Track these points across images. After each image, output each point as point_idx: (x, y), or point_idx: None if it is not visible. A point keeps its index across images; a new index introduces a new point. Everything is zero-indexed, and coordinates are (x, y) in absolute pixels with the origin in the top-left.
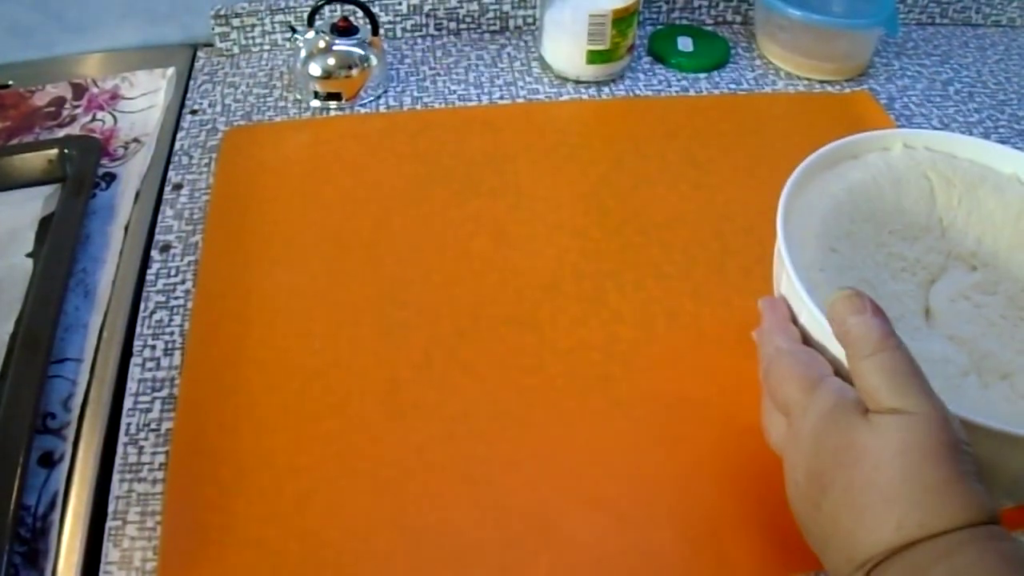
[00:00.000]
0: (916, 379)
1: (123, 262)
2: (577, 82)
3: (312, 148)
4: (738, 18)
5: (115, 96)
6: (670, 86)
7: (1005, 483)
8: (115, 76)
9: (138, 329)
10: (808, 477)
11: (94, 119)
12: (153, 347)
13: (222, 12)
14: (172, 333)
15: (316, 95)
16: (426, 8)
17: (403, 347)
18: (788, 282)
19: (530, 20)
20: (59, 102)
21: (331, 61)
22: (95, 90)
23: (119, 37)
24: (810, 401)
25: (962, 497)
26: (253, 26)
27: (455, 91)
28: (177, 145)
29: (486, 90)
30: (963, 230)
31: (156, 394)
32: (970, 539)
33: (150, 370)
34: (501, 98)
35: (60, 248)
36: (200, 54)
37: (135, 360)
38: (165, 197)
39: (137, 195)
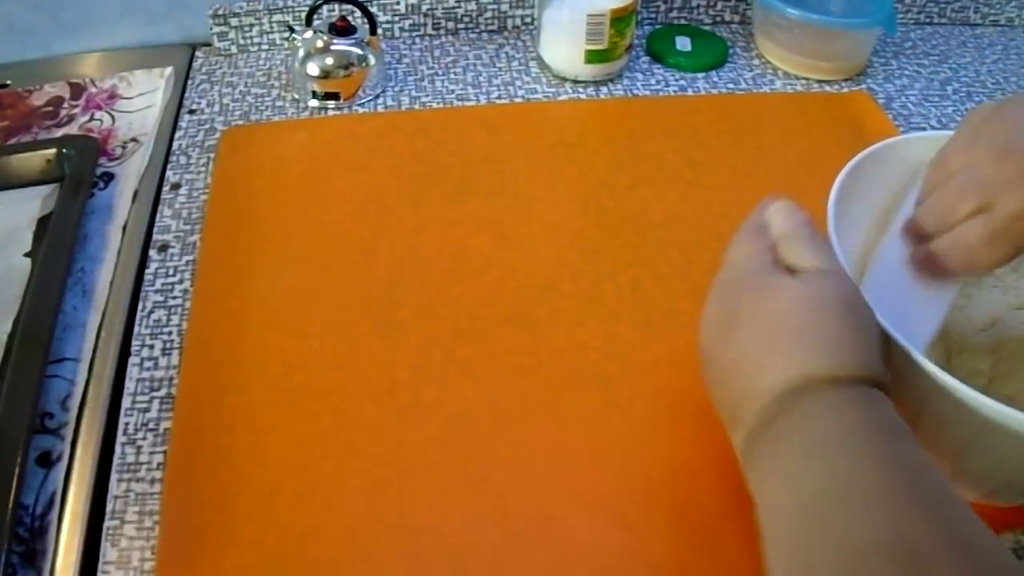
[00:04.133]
0: (829, 248)
1: (121, 262)
2: (575, 82)
3: (310, 148)
4: (736, 18)
5: (113, 96)
6: (668, 86)
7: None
8: (113, 76)
9: (136, 329)
10: (723, 311)
11: (92, 119)
12: (151, 347)
13: (220, 12)
14: (170, 333)
15: (314, 95)
16: (424, 8)
17: (401, 347)
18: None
19: (528, 20)
20: (57, 102)
21: (329, 61)
22: (93, 90)
23: (117, 37)
24: (734, 250)
25: (863, 347)
26: (251, 26)
27: (453, 91)
28: (175, 145)
29: (484, 90)
30: None
31: (154, 394)
32: (858, 397)
33: (148, 370)
34: (499, 98)
35: (58, 248)
36: (198, 54)
37: (133, 360)
38: (163, 197)
39: (135, 195)
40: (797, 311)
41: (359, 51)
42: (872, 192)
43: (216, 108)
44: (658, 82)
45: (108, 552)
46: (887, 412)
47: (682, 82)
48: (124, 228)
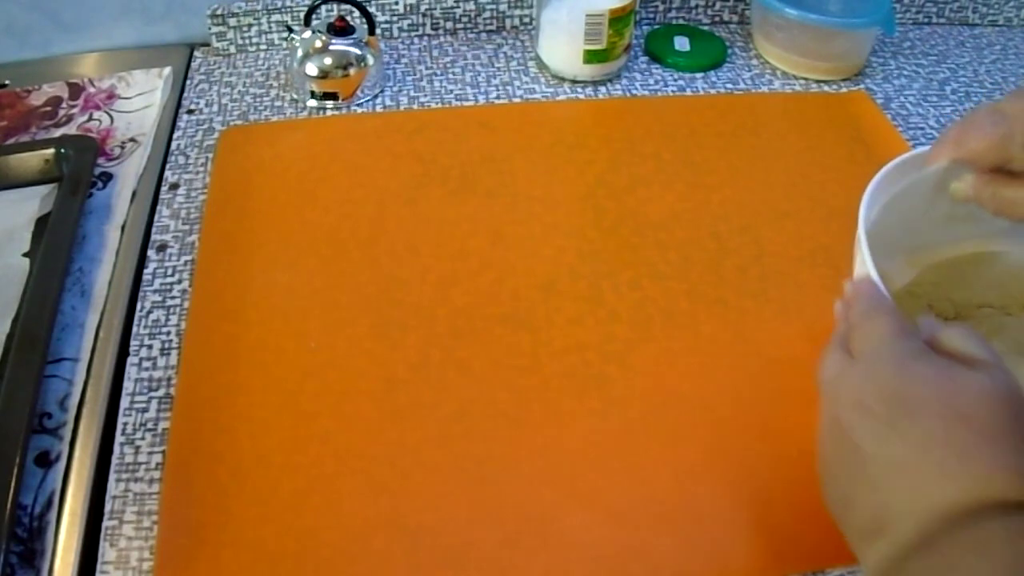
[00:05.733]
0: (989, 346)
1: (120, 262)
2: (574, 82)
3: (309, 148)
4: (735, 18)
5: (111, 96)
6: (667, 86)
7: None
8: (111, 76)
9: (135, 329)
10: (886, 399)
11: (90, 119)
12: (150, 347)
13: (218, 12)
14: (169, 333)
15: (313, 95)
16: (423, 8)
17: (399, 347)
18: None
19: (527, 20)
20: (55, 102)
21: (328, 61)
22: (91, 90)
23: (115, 37)
24: (871, 327)
25: None
26: (250, 26)
27: (452, 91)
28: (174, 145)
29: (483, 90)
30: None
31: (153, 394)
32: None
33: (147, 370)
34: (498, 98)
35: (57, 248)
36: (197, 54)
37: (132, 360)
38: (162, 197)
39: (134, 195)
40: (987, 411)
41: (357, 51)
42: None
43: (215, 108)
44: (656, 82)
45: (107, 552)
46: None
47: (681, 82)
48: (123, 228)
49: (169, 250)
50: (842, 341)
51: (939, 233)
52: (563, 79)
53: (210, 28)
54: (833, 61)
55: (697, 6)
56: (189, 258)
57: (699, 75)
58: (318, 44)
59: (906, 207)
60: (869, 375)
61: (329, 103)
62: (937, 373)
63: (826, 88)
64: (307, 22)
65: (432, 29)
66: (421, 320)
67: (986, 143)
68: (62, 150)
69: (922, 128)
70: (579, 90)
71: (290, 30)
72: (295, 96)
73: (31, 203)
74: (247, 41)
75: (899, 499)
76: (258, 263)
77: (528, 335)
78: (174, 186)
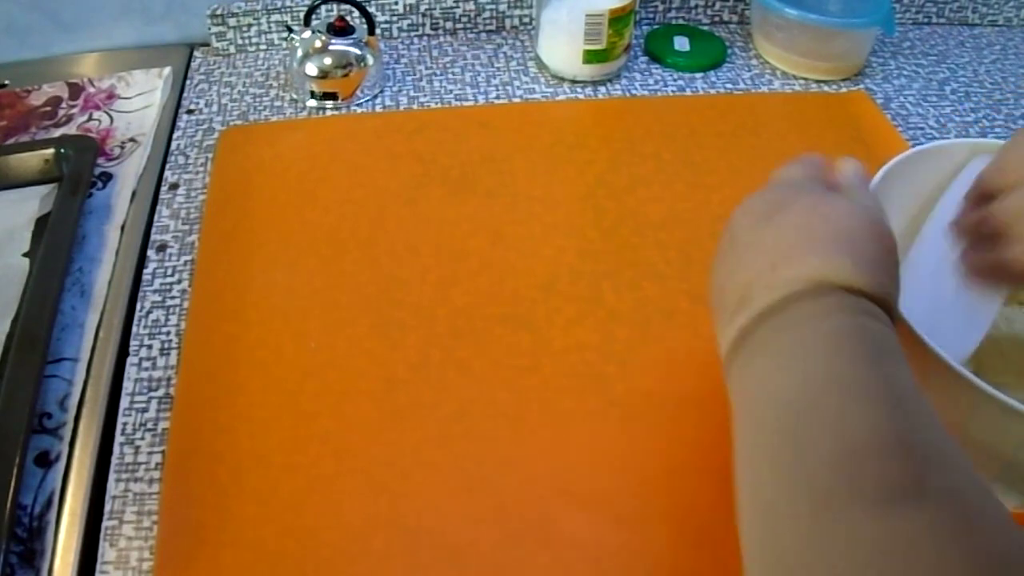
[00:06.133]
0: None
1: (119, 262)
2: (573, 82)
3: (308, 148)
4: (734, 18)
5: (111, 96)
6: (666, 86)
7: (997, 468)
8: (111, 76)
9: (134, 329)
10: (769, 202)
11: (90, 119)
12: (149, 347)
13: (218, 12)
14: (168, 333)
15: (312, 95)
16: (422, 8)
17: (399, 347)
18: None
19: (526, 20)
20: (55, 102)
21: (327, 61)
22: (91, 90)
23: (115, 37)
24: (790, 169)
25: (891, 273)
26: (249, 26)
27: (451, 91)
28: (173, 145)
29: (482, 90)
30: None
31: (152, 394)
32: (876, 311)
33: (146, 370)
34: (497, 98)
35: (56, 248)
36: (196, 54)
37: (131, 360)
38: (161, 197)
39: (133, 195)
40: (845, 219)
41: (357, 51)
42: (903, 199)
43: (214, 108)
44: (656, 82)
45: (106, 552)
46: (892, 333)
47: (680, 82)
48: (122, 228)
49: (169, 250)
50: None
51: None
52: (563, 79)
53: (210, 28)
54: (833, 61)
55: (697, 6)
56: (189, 258)
57: (699, 75)
58: (318, 44)
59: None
60: (764, 192)
61: (329, 103)
62: (820, 193)
63: (826, 88)
64: (307, 22)
65: (432, 29)
66: (421, 320)
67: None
68: (62, 150)
69: (922, 128)
70: (579, 90)
71: (290, 30)
72: (295, 96)
73: (31, 203)
74: (247, 41)
75: (761, 275)
76: (258, 263)
77: (528, 335)
78: (174, 186)
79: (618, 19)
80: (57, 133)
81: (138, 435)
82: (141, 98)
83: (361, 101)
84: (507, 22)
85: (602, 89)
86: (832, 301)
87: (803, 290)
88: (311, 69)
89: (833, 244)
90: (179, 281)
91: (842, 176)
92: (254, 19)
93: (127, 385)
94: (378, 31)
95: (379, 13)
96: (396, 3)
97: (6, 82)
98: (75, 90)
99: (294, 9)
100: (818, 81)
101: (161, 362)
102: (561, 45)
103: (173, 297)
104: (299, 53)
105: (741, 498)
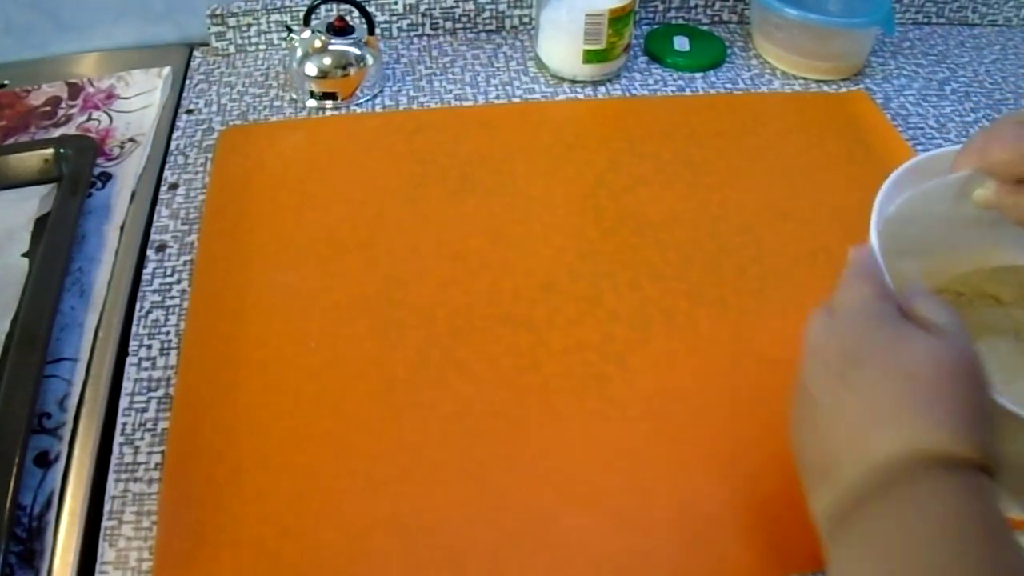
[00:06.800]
0: (951, 309)
1: (119, 262)
2: (573, 82)
3: (308, 148)
4: (734, 17)
5: (111, 96)
6: (666, 86)
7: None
8: (111, 76)
9: (134, 329)
10: (842, 352)
11: (90, 119)
12: (149, 347)
13: (218, 11)
14: (168, 333)
15: (312, 95)
16: (422, 7)
17: (399, 346)
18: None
19: (526, 20)
20: (55, 102)
21: (327, 61)
22: (91, 90)
23: (115, 37)
24: (848, 294)
25: (984, 425)
26: (249, 25)
27: (451, 91)
28: (173, 145)
29: (482, 90)
30: None
31: (152, 394)
32: (974, 488)
33: (146, 370)
34: (497, 98)
35: (56, 248)
36: (196, 54)
37: (131, 360)
38: (161, 197)
39: (133, 195)
40: (931, 367)
41: (357, 51)
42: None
43: (214, 108)
44: (656, 82)
45: (106, 552)
46: (994, 507)
47: (680, 82)
48: (122, 228)
49: (168, 250)
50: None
51: (957, 238)
52: (562, 79)
53: (209, 28)
54: (833, 61)
55: (696, 6)
56: (188, 258)
57: (699, 75)
58: (317, 44)
59: (924, 210)
60: (834, 330)
61: (328, 103)
62: (894, 334)
63: (826, 88)
64: (306, 22)
65: (431, 29)
66: (421, 320)
67: (1010, 154)
68: (61, 150)
69: (922, 128)
70: (579, 90)
71: (289, 30)
72: (294, 96)
73: (30, 203)
74: (246, 41)
75: (841, 447)
76: (258, 263)
77: (528, 335)
78: (173, 186)
79: (618, 19)
80: (57, 133)
81: (137, 435)
82: (140, 98)
83: (361, 101)
84: (507, 22)
85: (602, 89)
86: (934, 486)
87: (899, 467)
88: (311, 69)
89: (924, 407)
90: (179, 281)
91: (915, 300)
92: (254, 19)
93: (127, 385)
94: (378, 31)
95: (379, 13)
96: (396, 3)
97: (5, 82)
98: (75, 90)
99: (294, 9)
100: (818, 81)
101: (161, 362)
102: (561, 45)
103: (173, 297)
104: (299, 53)
105: None
